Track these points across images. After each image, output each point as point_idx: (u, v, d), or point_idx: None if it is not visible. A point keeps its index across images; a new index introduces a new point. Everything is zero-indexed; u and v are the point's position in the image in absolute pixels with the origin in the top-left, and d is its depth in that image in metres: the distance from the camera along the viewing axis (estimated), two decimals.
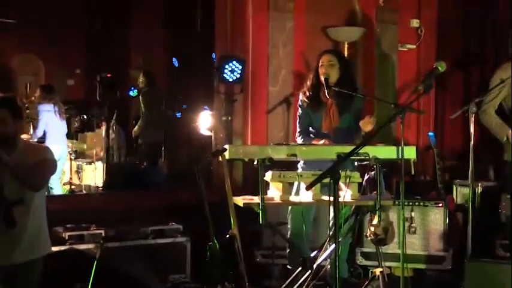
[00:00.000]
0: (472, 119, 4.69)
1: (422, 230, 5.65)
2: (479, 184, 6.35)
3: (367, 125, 4.81)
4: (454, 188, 6.60)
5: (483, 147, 6.37)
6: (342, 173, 4.08)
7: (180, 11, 10.23)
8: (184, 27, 10.11)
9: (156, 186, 7.57)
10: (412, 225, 5.62)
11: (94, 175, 8.49)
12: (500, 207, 6.14)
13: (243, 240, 4.28)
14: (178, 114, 10.23)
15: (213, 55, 7.08)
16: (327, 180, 3.22)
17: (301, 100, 5.16)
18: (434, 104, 7.30)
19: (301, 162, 4.98)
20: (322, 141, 4.82)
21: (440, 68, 3.98)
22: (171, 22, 10.77)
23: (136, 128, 9.04)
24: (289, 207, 5.00)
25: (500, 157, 5.45)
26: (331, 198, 3.22)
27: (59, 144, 7.93)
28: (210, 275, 4.06)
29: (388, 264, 5.23)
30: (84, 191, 8.60)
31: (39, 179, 3.83)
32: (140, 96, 9.06)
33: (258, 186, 4.15)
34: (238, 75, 6.31)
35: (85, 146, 9.31)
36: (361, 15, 7.12)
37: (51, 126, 8.09)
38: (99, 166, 8.43)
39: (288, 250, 5.14)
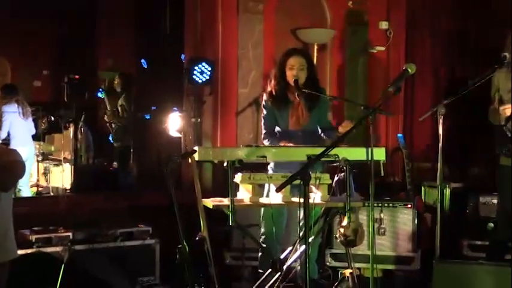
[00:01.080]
0: (441, 120, 4.71)
1: (391, 231, 5.68)
2: (448, 185, 6.42)
3: (347, 127, 4.82)
4: (423, 189, 6.66)
5: (451, 149, 6.42)
6: (312, 175, 4.09)
7: (149, 12, 10.17)
8: (153, 28, 10.04)
9: (125, 188, 7.51)
10: (382, 226, 5.65)
11: (62, 177, 8.40)
12: (467, 208, 6.22)
13: (212, 242, 4.26)
14: (147, 116, 10.17)
15: (182, 57, 7.04)
16: (297, 182, 3.22)
17: (265, 100, 5.13)
18: (403, 105, 7.35)
19: (271, 164, 4.97)
20: (290, 144, 4.81)
21: (410, 70, 3.99)
22: (140, 23, 10.70)
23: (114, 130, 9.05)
24: (262, 209, 4.98)
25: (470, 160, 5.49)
26: (301, 200, 3.21)
27: (24, 146, 7.82)
28: (180, 277, 4.03)
29: (357, 265, 5.24)
30: (52, 193, 8.51)
31: (7, 181, 3.77)
32: (120, 99, 9.04)
33: (227, 188, 4.14)
34: (207, 77, 6.29)
35: (52, 148, 9.21)
36: (330, 17, 7.15)
37: (15, 127, 7.97)
38: (67, 168, 8.34)
39: (260, 253, 5.12)
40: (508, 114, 5.21)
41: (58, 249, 4.97)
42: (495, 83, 5.43)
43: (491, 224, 6.06)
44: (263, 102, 5.17)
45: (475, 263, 5.29)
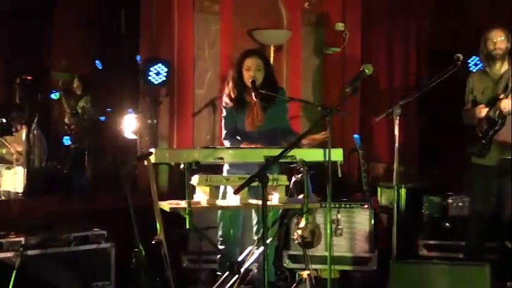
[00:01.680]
0: (397, 121, 4.74)
1: (348, 231, 5.70)
2: (403, 185, 6.48)
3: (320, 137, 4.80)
4: (379, 189, 6.70)
5: (407, 149, 6.50)
6: (270, 176, 4.06)
7: (104, 12, 10.04)
8: (108, 29, 9.92)
9: (79, 191, 7.39)
10: (339, 227, 5.67)
11: (13, 180, 8.21)
12: (423, 208, 6.28)
13: (169, 245, 4.21)
14: (102, 118, 10.04)
15: (138, 57, 6.96)
16: (255, 183, 3.19)
17: (225, 102, 5.11)
18: (360, 106, 7.39)
19: (227, 165, 4.93)
20: (253, 146, 4.78)
21: (367, 71, 4.01)
22: (94, 23, 10.56)
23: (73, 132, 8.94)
24: (219, 211, 4.95)
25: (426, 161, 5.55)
26: (259, 202, 3.19)
27: None
28: (136, 281, 3.97)
29: (315, 266, 5.24)
30: (3, 197, 8.31)
31: None
32: (81, 101, 8.92)
33: (184, 191, 4.09)
34: (163, 78, 6.23)
35: (4, 151, 9.01)
36: (287, 18, 7.15)
37: None
38: (19, 171, 8.16)
39: (219, 256, 5.08)
40: (483, 114, 5.30)
41: (9, 254, 4.85)
42: (470, 85, 5.52)
43: (447, 224, 6.14)
44: (223, 103, 5.14)
45: (430, 262, 5.36)
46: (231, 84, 5.06)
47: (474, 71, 5.57)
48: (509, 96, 5.15)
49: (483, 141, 5.33)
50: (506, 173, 5.28)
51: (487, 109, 5.28)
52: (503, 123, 5.25)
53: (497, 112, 5.25)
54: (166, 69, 6.21)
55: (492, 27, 5.40)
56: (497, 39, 5.33)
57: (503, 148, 5.27)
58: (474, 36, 5.90)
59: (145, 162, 4.21)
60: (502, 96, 5.21)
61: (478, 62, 6.69)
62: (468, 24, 7.15)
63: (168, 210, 4.21)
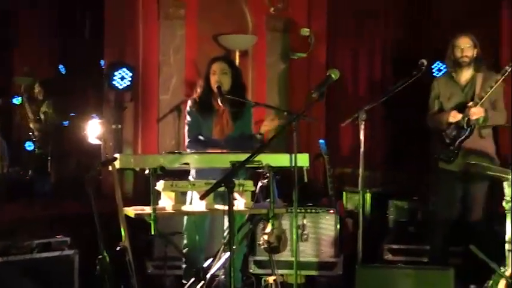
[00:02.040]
0: (362, 126, 4.77)
1: (314, 236, 5.70)
2: (369, 190, 6.51)
3: (273, 121, 4.80)
4: (345, 194, 6.72)
5: (373, 154, 6.53)
6: (236, 182, 4.04)
7: (68, 16, 9.95)
8: (72, 33, 9.83)
9: (42, 197, 7.29)
10: (305, 232, 5.66)
11: None
12: (388, 212, 6.32)
13: (134, 251, 4.16)
14: (66, 123, 9.93)
15: (102, 62, 6.90)
16: (221, 189, 3.17)
17: (190, 107, 5.07)
18: (325, 111, 7.41)
19: (193, 171, 4.90)
20: (219, 151, 4.76)
21: (333, 76, 4.01)
22: (58, 27, 10.45)
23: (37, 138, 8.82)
24: (185, 217, 4.91)
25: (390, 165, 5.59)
26: (226, 207, 3.17)
27: None
28: None
29: (280, 271, 5.23)
30: None
31: None
32: (43, 107, 8.81)
33: (149, 196, 4.05)
34: (128, 83, 6.18)
35: None
36: (252, 23, 7.15)
37: None
38: None
39: (184, 261, 5.04)
40: (457, 119, 5.35)
41: None
42: (435, 90, 5.56)
43: (412, 228, 6.18)
44: (187, 109, 5.10)
45: (395, 266, 5.39)
46: (199, 90, 5.04)
47: (439, 75, 5.61)
48: (478, 104, 5.21)
49: (451, 147, 5.38)
50: (472, 178, 5.34)
51: (460, 115, 5.33)
52: (472, 132, 5.32)
53: (466, 120, 5.30)
54: (131, 74, 6.17)
55: (459, 34, 5.45)
56: (465, 46, 5.38)
57: (469, 153, 5.33)
58: (438, 42, 5.98)
59: (110, 168, 4.16)
60: (470, 104, 5.27)
61: (442, 68, 6.77)
62: (432, 30, 7.22)
63: (133, 216, 4.16)
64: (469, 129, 5.31)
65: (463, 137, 5.34)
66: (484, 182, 5.36)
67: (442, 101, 5.54)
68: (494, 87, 5.15)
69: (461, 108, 5.35)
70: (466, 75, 5.45)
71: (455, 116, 5.35)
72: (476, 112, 5.23)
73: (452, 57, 5.44)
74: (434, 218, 5.66)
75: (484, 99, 5.19)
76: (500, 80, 5.16)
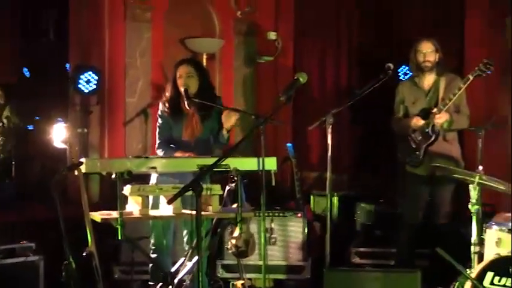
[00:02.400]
0: (329, 129, 4.78)
1: (282, 240, 5.70)
2: (336, 194, 6.53)
3: (230, 117, 4.78)
4: (312, 198, 6.74)
5: (340, 158, 6.56)
6: (204, 186, 4.03)
7: (32, 18, 9.82)
8: (36, 35, 9.71)
9: (6, 202, 7.17)
10: (272, 236, 5.66)
11: None
12: (355, 215, 6.35)
13: (101, 256, 4.12)
14: (30, 127, 9.80)
15: (67, 65, 6.82)
16: (188, 193, 3.15)
17: (161, 110, 5.05)
18: (292, 114, 7.42)
19: (157, 175, 4.85)
20: (187, 155, 4.73)
21: (301, 79, 4.01)
22: (22, 30, 10.30)
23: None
24: (151, 221, 4.86)
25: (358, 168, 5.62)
26: (193, 212, 3.14)
27: None
28: None
29: (249, 275, 5.22)
30: None
31: None
32: (5, 111, 8.66)
33: (116, 201, 4.01)
34: (94, 86, 6.12)
35: None
36: (219, 26, 7.13)
37: None
38: None
39: (151, 265, 5.00)
40: (419, 124, 5.39)
41: None
42: (400, 95, 5.60)
43: (379, 232, 6.22)
44: (159, 112, 5.08)
45: (363, 270, 5.42)
46: (167, 93, 5.02)
47: (403, 80, 5.65)
48: (443, 110, 5.26)
49: (417, 152, 5.43)
50: (438, 181, 5.39)
51: (422, 121, 5.37)
52: (437, 137, 5.37)
53: (431, 126, 5.35)
54: (96, 77, 6.12)
55: (421, 39, 5.51)
56: (427, 51, 5.43)
57: (436, 157, 5.37)
58: (404, 46, 6.02)
59: (76, 172, 4.11)
60: (435, 110, 5.32)
61: (408, 72, 6.83)
62: (396, 34, 7.28)
63: (99, 221, 4.11)
64: (434, 135, 5.37)
65: (429, 142, 5.39)
66: (450, 185, 5.42)
67: (407, 106, 5.59)
68: (457, 94, 5.21)
69: (426, 113, 5.40)
70: (429, 80, 5.50)
71: (417, 122, 5.39)
72: (441, 118, 5.28)
73: (415, 61, 5.49)
74: (401, 221, 5.70)
75: (447, 106, 5.25)
76: (464, 87, 5.22)
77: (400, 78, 6.25)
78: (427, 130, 5.37)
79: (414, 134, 5.45)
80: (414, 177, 5.50)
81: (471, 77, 5.16)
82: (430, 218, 5.53)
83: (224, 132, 4.86)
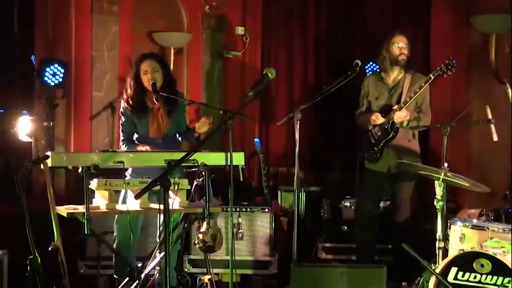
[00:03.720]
0: (297, 125, 4.81)
1: (249, 235, 5.71)
2: (303, 189, 6.56)
3: (204, 125, 4.79)
4: (279, 193, 6.76)
5: (307, 153, 6.59)
6: (171, 180, 4.01)
7: None
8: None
9: None
10: (240, 231, 5.66)
11: None
12: (322, 211, 6.38)
13: (66, 251, 4.08)
14: None
15: (33, 57, 6.72)
16: (156, 188, 3.13)
17: (123, 107, 5.01)
18: (260, 109, 7.43)
19: (129, 170, 4.84)
20: (145, 148, 4.71)
21: (270, 75, 4.02)
22: None
23: None
24: (116, 215, 4.83)
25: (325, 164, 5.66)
26: (161, 206, 3.13)
27: None
28: None
29: (216, 270, 5.22)
30: None
31: None
32: None
33: (82, 195, 3.97)
34: (60, 79, 6.05)
35: None
36: (187, 21, 7.11)
37: None
38: None
39: (115, 260, 4.97)
40: (378, 123, 5.43)
41: None
42: (365, 89, 5.63)
43: (345, 227, 6.26)
44: (121, 109, 5.04)
45: (329, 265, 5.47)
46: (129, 90, 4.97)
47: (369, 74, 5.69)
48: (403, 108, 5.31)
49: (375, 148, 5.47)
50: (399, 177, 5.44)
51: (382, 119, 5.41)
52: (396, 134, 5.42)
53: (390, 123, 5.40)
54: (63, 71, 6.04)
55: (397, 32, 5.53)
56: (402, 44, 5.47)
57: (396, 154, 5.43)
58: (370, 43, 6.06)
59: (42, 166, 4.06)
60: (395, 107, 5.36)
61: (375, 68, 6.88)
62: (363, 32, 7.32)
63: (65, 215, 4.08)
64: (393, 131, 5.42)
65: (387, 138, 5.44)
66: (410, 182, 5.48)
67: (370, 100, 5.63)
68: (418, 93, 5.28)
69: (387, 109, 5.45)
70: (395, 76, 5.54)
71: (376, 119, 5.43)
72: (401, 116, 5.32)
73: (388, 55, 5.49)
74: (359, 216, 5.73)
75: (408, 104, 5.30)
76: (425, 86, 5.28)
77: (368, 75, 6.26)
78: (386, 126, 5.42)
79: (374, 129, 5.50)
80: (372, 173, 5.54)
81: (432, 77, 5.23)
82: (392, 213, 5.59)
83: (195, 134, 4.87)
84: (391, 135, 5.42)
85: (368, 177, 5.60)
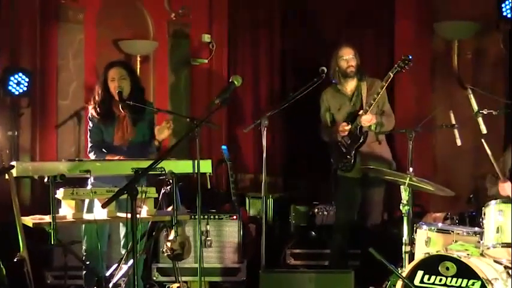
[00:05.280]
0: (264, 132, 4.83)
1: (217, 243, 5.71)
2: (271, 196, 6.57)
3: (163, 131, 4.78)
4: (247, 200, 6.76)
5: (274, 160, 6.60)
6: (138, 189, 4.00)
7: None
8: None
9: None
10: (208, 238, 5.66)
11: None
12: (290, 217, 6.41)
13: (32, 262, 4.04)
14: None
15: None
16: (123, 196, 3.13)
17: (91, 114, 4.99)
18: (227, 117, 7.43)
19: (91, 178, 4.79)
20: (117, 157, 4.68)
21: (236, 82, 4.04)
22: None
23: None
24: (83, 225, 4.79)
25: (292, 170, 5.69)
26: (129, 215, 3.12)
27: None
28: None
29: (184, 278, 5.22)
30: None
31: None
32: None
33: (48, 205, 3.94)
34: (24, 88, 5.99)
35: None
36: (153, 28, 7.09)
37: None
38: None
39: (84, 270, 4.92)
40: (346, 133, 5.48)
41: None
42: (325, 103, 5.68)
43: (313, 233, 6.29)
44: (89, 115, 5.01)
45: (298, 271, 5.50)
46: (97, 97, 4.95)
47: (326, 89, 5.72)
48: (368, 111, 5.37)
49: (348, 156, 5.52)
50: (370, 183, 5.49)
51: (349, 126, 5.47)
52: (365, 139, 5.48)
53: (358, 128, 5.46)
54: (27, 79, 5.98)
55: (342, 45, 5.60)
56: (348, 56, 5.53)
57: (367, 159, 5.48)
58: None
59: (7, 176, 4.02)
60: (361, 112, 5.42)
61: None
62: (328, 36, 7.36)
63: (31, 225, 4.04)
64: (362, 136, 5.48)
65: (358, 144, 5.49)
66: (381, 187, 5.53)
67: (333, 113, 5.68)
68: (380, 93, 5.34)
69: (352, 117, 5.51)
70: (351, 85, 5.61)
71: (344, 129, 5.48)
72: (367, 119, 5.39)
73: (337, 68, 5.56)
74: (336, 223, 5.78)
75: (373, 105, 5.37)
76: (386, 85, 5.34)
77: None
78: (355, 133, 5.48)
79: (343, 138, 5.55)
80: (346, 181, 5.59)
81: (391, 74, 5.31)
82: (363, 219, 5.64)
83: (156, 142, 4.86)
84: (361, 140, 5.48)
85: (342, 185, 5.64)
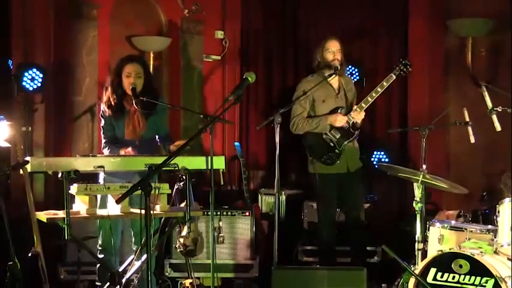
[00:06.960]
0: (277, 129, 4.82)
1: (230, 239, 5.72)
2: (283, 192, 6.57)
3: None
4: (260, 196, 6.77)
5: (287, 157, 6.59)
6: (152, 185, 4.01)
7: None
8: None
9: None
10: (221, 234, 5.66)
11: None
12: (302, 214, 6.40)
13: (46, 256, 4.06)
14: None
15: (10, 62, 6.66)
16: (137, 192, 3.13)
17: (102, 110, 5.00)
18: (239, 114, 7.43)
19: (101, 174, 4.79)
20: (128, 149, 4.69)
21: (250, 79, 4.03)
22: None
23: None
24: (98, 220, 4.81)
25: (305, 167, 5.67)
26: (143, 211, 3.13)
27: None
28: None
29: (197, 274, 5.23)
30: None
31: None
32: None
33: (62, 200, 3.96)
34: (39, 84, 6.01)
35: None
36: (166, 25, 7.10)
37: None
38: None
39: (98, 265, 4.94)
40: (341, 124, 5.45)
41: None
42: (305, 92, 5.48)
43: None
44: (101, 112, 5.02)
45: (310, 268, 5.49)
46: (109, 90, 4.95)
47: (308, 77, 5.65)
48: (363, 108, 5.37)
49: (336, 150, 5.48)
50: (357, 175, 5.51)
51: (346, 118, 5.44)
52: (358, 134, 5.48)
53: (351, 123, 5.44)
54: (41, 75, 6.00)
55: (329, 38, 5.57)
56: (335, 49, 5.50)
57: (351, 153, 5.49)
58: (349, 47, 6.08)
59: (21, 171, 4.05)
60: (355, 108, 5.41)
61: (354, 72, 6.93)
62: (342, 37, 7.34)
63: (45, 220, 4.07)
64: (356, 132, 5.47)
65: (350, 139, 5.48)
66: (357, 177, 5.57)
67: (315, 104, 5.59)
68: (380, 92, 5.34)
69: (346, 111, 5.49)
70: (335, 79, 5.57)
71: (341, 121, 5.45)
72: (362, 116, 5.40)
73: (322, 61, 5.52)
74: (321, 220, 5.71)
75: (370, 103, 5.37)
76: (386, 86, 5.36)
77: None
78: (347, 127, 5.46)
79: (331, 131, 5.50)
80: (326, 177, 5.51)
81: (394, 76, 5.32)
82: (348, 212, 5.63)
83: (172, 147, 4.83)
84: (354, 136, 5.48)
85: (322, 181, 5.54)
